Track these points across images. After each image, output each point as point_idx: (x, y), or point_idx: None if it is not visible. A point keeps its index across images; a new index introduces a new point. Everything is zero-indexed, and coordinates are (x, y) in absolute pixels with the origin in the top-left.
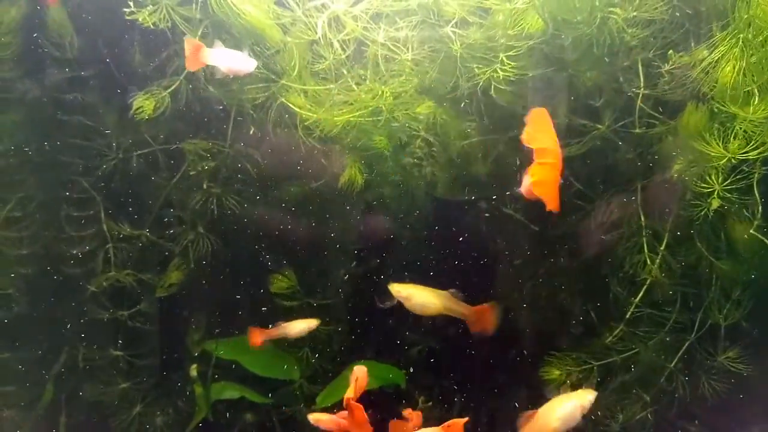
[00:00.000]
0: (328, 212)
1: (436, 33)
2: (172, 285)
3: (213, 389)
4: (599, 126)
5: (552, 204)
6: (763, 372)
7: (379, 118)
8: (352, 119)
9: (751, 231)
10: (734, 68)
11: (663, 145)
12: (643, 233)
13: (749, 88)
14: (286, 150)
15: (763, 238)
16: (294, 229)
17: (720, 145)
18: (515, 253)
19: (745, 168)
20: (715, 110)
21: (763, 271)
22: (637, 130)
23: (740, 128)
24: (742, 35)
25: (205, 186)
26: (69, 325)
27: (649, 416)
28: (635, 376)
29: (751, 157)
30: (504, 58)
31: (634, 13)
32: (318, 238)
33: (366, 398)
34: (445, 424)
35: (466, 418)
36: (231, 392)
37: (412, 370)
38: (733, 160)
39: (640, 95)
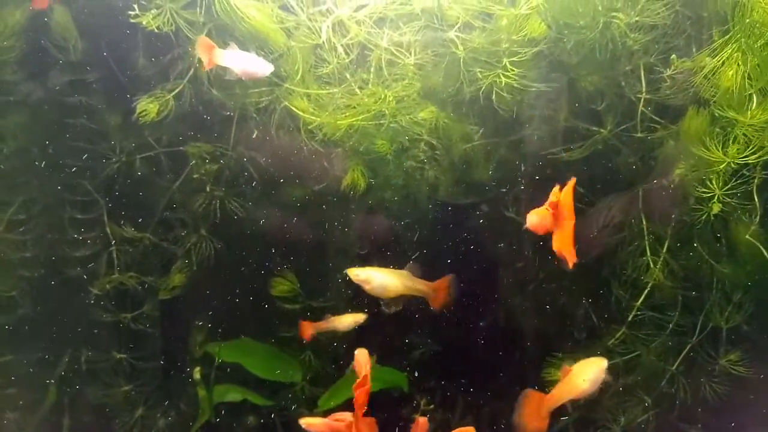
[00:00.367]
0: (331, 215)
1: (439, 37)
2: (175, 287)
3: (216, 392)
4: (601, 130)
5: (571, 260)
6: (765, 375)
7: (381, 121)
8: (354, 123)
9: (747, 236)
10: (735, 73)
11: (664, 149)
12: (645, 236)
13: (749, 93)
14: (289, 153)
15: (758, 243)
16: (296, 232)
17: (719, 149)
18: (517, 256)
19: (745, 172)
20: (716, 115)
21: (764, 274)
22: (639, 135)
23: (740, 132)
24: (742, 40)
25: (208, 189)
26: (72, 328)
27: (651, 419)
28: (637, 379)
29: (750, 162)
30: (507, 63)
31: (637, 18)
32: (320, 241)
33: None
34: None
35: (472, 429)
36: (234, 395)
37: (415, 373)
38: (732, 165)
39: (642, 99)
